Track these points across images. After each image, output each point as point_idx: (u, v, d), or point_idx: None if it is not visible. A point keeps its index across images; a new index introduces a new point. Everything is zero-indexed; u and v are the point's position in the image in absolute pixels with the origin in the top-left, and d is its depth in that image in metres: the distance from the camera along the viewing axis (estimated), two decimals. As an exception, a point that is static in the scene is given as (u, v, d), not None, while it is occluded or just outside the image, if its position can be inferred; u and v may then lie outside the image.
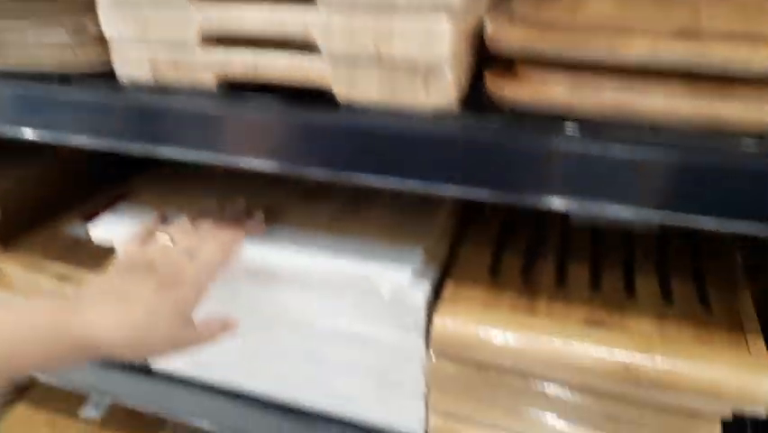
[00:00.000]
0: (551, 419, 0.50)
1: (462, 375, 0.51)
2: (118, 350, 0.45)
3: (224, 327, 0.50)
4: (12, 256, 0.72)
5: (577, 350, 0.44)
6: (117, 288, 0.47)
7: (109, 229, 0.57)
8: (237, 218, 0.53)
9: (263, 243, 0.52)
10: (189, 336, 0.48)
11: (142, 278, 0.47)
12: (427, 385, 0.53)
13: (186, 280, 0.47)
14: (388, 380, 0.55)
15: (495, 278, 0.51)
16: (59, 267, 0.70)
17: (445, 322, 0.47)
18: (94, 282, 0.49)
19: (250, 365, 0.60)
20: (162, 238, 0.51)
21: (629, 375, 0.43)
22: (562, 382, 0.47)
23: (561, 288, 0.50)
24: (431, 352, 0.51)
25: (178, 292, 0.47)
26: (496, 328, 0.46)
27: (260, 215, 0.54)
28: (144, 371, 0.66)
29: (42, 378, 0.93)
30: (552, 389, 0.48)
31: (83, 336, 0.44)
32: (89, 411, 0.87)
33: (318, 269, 0.50)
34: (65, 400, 0.88)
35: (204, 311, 0.49)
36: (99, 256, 0.72)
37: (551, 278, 0.52)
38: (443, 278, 0.52)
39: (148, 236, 0.52)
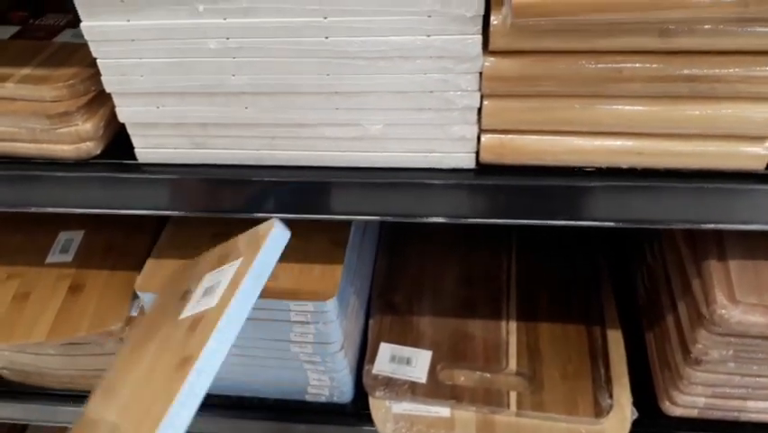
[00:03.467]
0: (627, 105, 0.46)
1: (525, 69, 0.45)
2: None
3: None
4: None
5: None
6: None
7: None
8: None
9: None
10: None
11: None
12: (482, 97, 0.47)
13: None
14: (434, 104, 0.48)
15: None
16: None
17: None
18: None
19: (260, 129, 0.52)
20: None
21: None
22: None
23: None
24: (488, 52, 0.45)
25: None
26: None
27: None
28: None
29: None
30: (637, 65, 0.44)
31: None
32: (58, 256, 0.77)
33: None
34: (27, 247, 0.77)
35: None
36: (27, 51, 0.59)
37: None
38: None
39: None
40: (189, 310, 0.54)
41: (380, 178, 0.52)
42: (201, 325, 0.50)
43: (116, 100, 0.52)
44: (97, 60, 0.49)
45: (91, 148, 0.56)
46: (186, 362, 0.47)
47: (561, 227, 0.83)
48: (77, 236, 0.78)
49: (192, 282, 0.59)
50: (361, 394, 0.73)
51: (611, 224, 0.52)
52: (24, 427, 1.05)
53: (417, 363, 0.73)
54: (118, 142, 0.57)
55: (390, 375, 0.72)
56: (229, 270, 0.53)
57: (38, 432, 1.00)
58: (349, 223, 0.72)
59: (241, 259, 0.53)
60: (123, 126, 0.55)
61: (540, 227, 0.84)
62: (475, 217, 0.53)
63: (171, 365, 0.48)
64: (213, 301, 0.51)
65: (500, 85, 0.46)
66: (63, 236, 0.79)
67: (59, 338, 0.69)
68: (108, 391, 0.55)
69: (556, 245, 0.82)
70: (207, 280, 0.56)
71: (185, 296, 0.57)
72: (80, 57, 0.56)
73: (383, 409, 0.71)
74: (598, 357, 0.71)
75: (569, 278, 0.79)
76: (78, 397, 0.78)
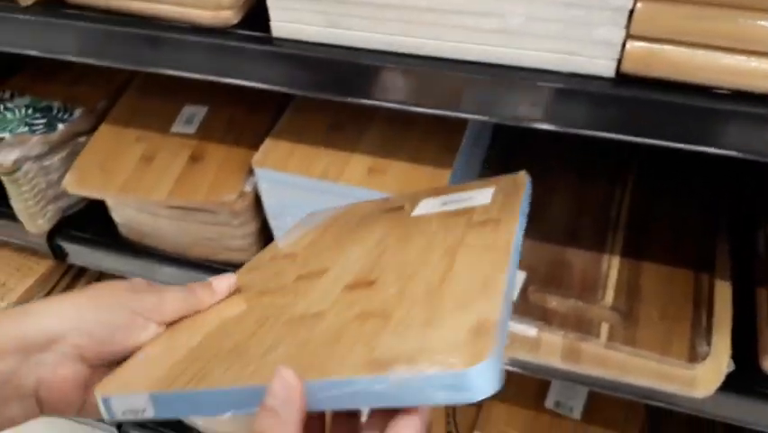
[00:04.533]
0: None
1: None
2: (73, 341, 0.42)
3: None
4: None
5: None
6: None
7: None
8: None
9: None
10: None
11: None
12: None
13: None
14: (583, 1, 0.46)
15: None
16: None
17: None
18: None
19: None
20: None
21: None
22: None
23: None
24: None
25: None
26: None
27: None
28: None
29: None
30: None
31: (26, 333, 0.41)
32: (182, 126, 0.81)
33: None
34: (155, 115, 0.82)
35: None
36: None
37: None
38: None
39: None
40: (434, 208, 0.50)
41: (512, 77, 0.51)
42: (477, 214, 0.46)
43: (260, -33, 0.53)
44: (248, -77, 0.50)
45: (230, 16, 0.58)
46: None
47: (682, 168, 0.80)
48: (200, 111, 0.82)
49: (404, 201, 0.55)
50: (449, 301, 0.74)
51: (752, 156, 0.48)
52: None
53: (510, 281, 0.72)
54: (255, 14, 0.58)
55: (481, 288, 0.72)
56: (477, 194, 0.50)
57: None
58: (463, 130, 0.71)
59: (493, 188, 0.50)
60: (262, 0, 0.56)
61: (661, 164, 0.81)
62: (604, 131, 0.50)
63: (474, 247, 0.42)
64: (479, 201, 0.48)
65: (659, -12, 0.43)
66: (187, 110, 0.82)
67: (178, 200, 0.73)
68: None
69: (675, 184, 0.78)
70: (444, 198, 0.52)
71: (398, 209, 0.54)
72: None
73: (470, 318, 0.72)
74: (702, 304, 0.68)
75: (684, 221, 0.75)
76: (185, 262, 0.85)
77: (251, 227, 0.77)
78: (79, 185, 0.77)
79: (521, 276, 0.73)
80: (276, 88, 0.60)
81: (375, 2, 0.51)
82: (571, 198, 0.79)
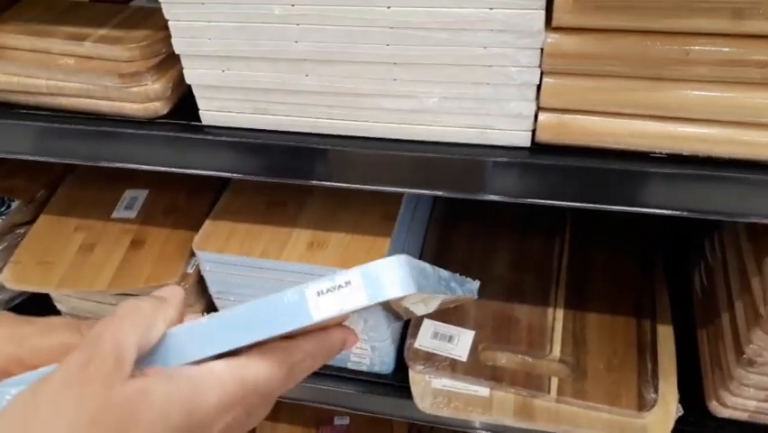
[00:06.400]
0: (694, 89, 0.45)
1: (588, 47, 0.45)
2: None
3: None
4: (9, 27, 0.61)
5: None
6: None
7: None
8: None
9: None
10: None
11: None
12: (542, 74, 0.47)
13: None
14: (492, 79, 0.48)
15: None
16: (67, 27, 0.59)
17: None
18: None
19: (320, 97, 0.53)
20: None
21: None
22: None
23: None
24: (551, 27, 0.44)
25: None
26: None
27: None
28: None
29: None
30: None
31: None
32: (123, 212, 0.81)
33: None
34: (95, 203, 0.81)
35: None
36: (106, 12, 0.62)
37: None
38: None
39: None
40: None
41: (434, 152, 0.53)
42: None
43: (184, 62, 0.54)
44: (168, 22, 0.51)
45: (159, 108, 0.59)
46: None
47: (617, 217, 0.82)
48: (141, 195, 0.82)
49: None
50: (401, 367, 0.74)
51: (668, 212, 0.51)
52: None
53: (459, 342, 0.73)
54: (185, 104, 0.59)
55: (431, 351, 0.72)
56: None
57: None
58: (400, 199, 0.73)
59: None
60: (189, 89, 0.57)
61: (596, 216, 0.83)
62: (528, 198, 0.52)
63: None
64: None
65: (561, 62, 0.46)
66: (129, 194, 0.82)
67: (119, 288, 0.72)
68: None
69: (611, 235, 0.81)
70: None
71: None
72: (154, 20, 0.59)
73: (422, 382, 0.72)
74: (646, 351, 0.69)
75: (622, 269, 0.78)
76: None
77: (196, 309, 0.76)
78: (17, 281, 0.75)
79: (470, 335, 0.74)
80: (210, 174, 0.60)
81: (296, 89, 0.52)
82: (514, 255, 0.81)
